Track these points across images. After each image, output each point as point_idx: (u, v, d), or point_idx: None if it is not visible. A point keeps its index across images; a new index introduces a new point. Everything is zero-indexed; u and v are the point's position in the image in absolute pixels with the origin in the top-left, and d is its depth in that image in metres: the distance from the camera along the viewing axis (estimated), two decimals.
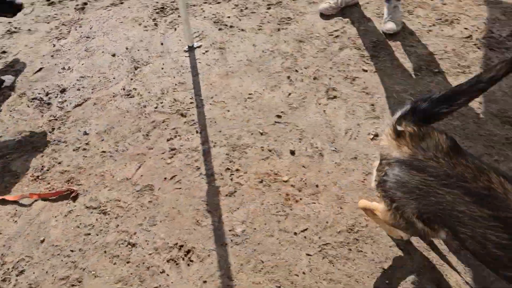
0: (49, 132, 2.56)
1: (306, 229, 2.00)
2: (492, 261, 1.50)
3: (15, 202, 2.23)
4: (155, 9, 3.42)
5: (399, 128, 1.63)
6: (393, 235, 2.00)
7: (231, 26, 3.16)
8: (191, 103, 2.62)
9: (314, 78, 2.70)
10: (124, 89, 2.77)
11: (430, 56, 2.78)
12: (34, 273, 1.95)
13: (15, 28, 3.40)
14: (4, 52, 3.18)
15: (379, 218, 1.83)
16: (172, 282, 1.87)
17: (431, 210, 1.56)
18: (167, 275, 1.90)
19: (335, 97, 2.58)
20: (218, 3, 3.42)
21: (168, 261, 1.94)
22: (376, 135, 2.35)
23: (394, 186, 1.61)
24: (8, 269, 1.98)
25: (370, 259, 1.89)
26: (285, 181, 2.18)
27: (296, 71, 2.77)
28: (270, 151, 2.33)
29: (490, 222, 1.44)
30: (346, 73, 2.72)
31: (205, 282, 1.86)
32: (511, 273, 1.47)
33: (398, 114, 1.66)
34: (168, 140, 2.43)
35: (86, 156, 2.41)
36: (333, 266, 1.87)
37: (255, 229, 2.01)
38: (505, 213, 1.41)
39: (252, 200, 2.12)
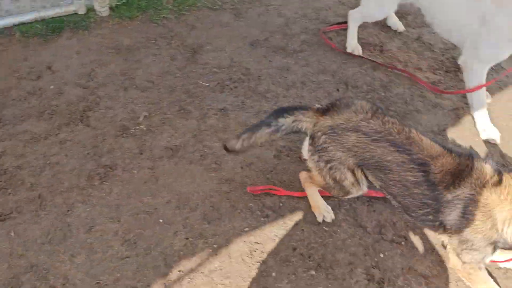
0: None
1: None
2: (413, 201, 1.80)
3: None
4: None
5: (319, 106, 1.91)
6: (316, 212, 2.11)
7: None
8: None
9: None
10: None
11: None
12: None
13: None
14: None
15: (316, 184, 2.05)
16: None
17: (367, 164, 1.82)
18: None
19: None
20: None
21: None
22: None
23: (334, 148, 1.84)
24: None
25: None
26: None
27: None
28: None
29: (409, 165, 1.73)
30: None
31: None
32: (426, 210, 1.77)
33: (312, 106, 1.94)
34: None
35: None
36: None
37: None
38: (417, 155, 1.76)
39: None
